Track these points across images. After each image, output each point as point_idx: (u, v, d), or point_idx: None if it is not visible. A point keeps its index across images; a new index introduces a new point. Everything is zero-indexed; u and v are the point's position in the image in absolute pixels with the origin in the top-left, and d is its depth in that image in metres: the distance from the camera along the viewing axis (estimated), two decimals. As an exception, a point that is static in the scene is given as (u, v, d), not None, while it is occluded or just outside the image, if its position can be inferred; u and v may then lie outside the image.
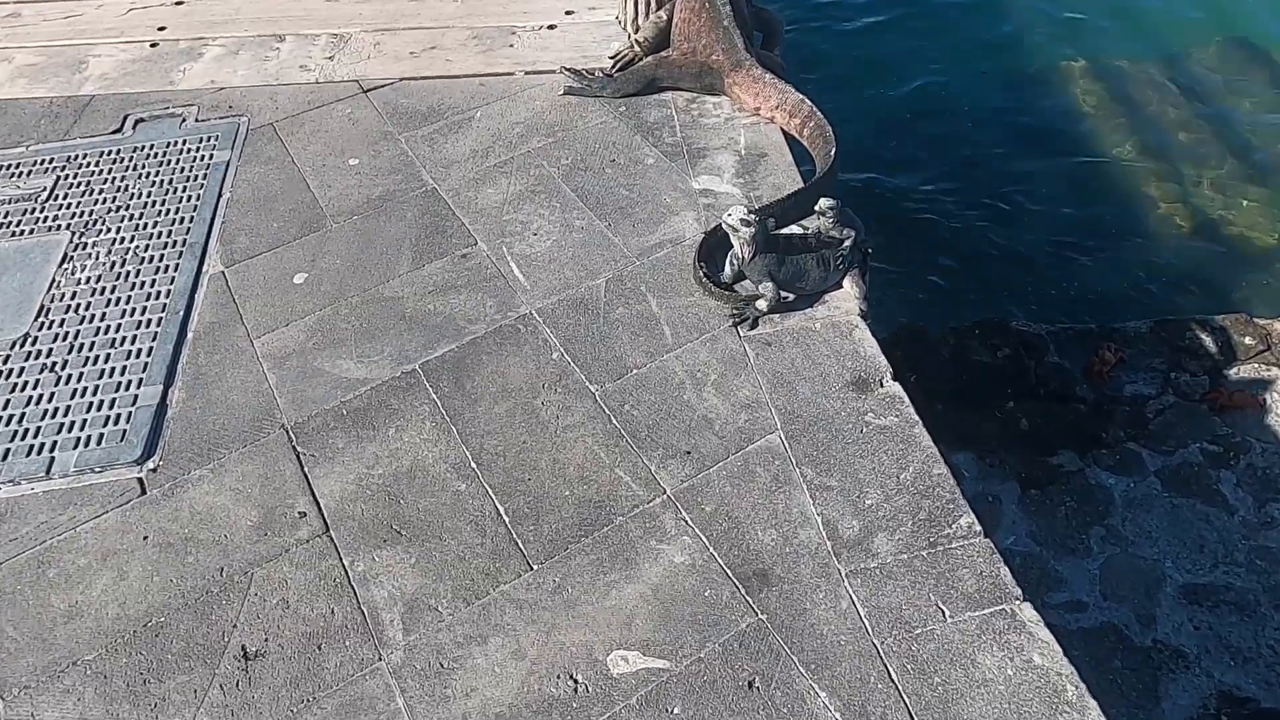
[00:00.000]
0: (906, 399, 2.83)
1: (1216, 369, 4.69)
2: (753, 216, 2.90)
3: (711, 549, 2.50)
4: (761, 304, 3.04)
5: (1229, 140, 6.51)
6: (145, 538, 2.60)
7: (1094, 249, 5.80)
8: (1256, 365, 4.71)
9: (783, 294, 3.07)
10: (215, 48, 4.56)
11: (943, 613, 2.35)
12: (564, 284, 3.25)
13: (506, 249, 3.40)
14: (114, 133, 4.06)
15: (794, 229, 3.30)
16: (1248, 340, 4.78)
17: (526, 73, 4.28)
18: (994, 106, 6.84)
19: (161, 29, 4.72)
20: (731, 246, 3.06)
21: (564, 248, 3.39)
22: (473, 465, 2.73)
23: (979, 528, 2.52)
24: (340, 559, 2.53)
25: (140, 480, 2.75)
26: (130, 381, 3.01)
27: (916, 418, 2.78)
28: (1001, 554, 4.40)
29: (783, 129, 3.89)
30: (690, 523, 2.56)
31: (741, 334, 3.04)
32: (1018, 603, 2.37)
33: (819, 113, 3.75)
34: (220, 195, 3.71)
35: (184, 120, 4.11)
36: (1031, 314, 5.25)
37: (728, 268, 3.14)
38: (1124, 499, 4.16)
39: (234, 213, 3.63)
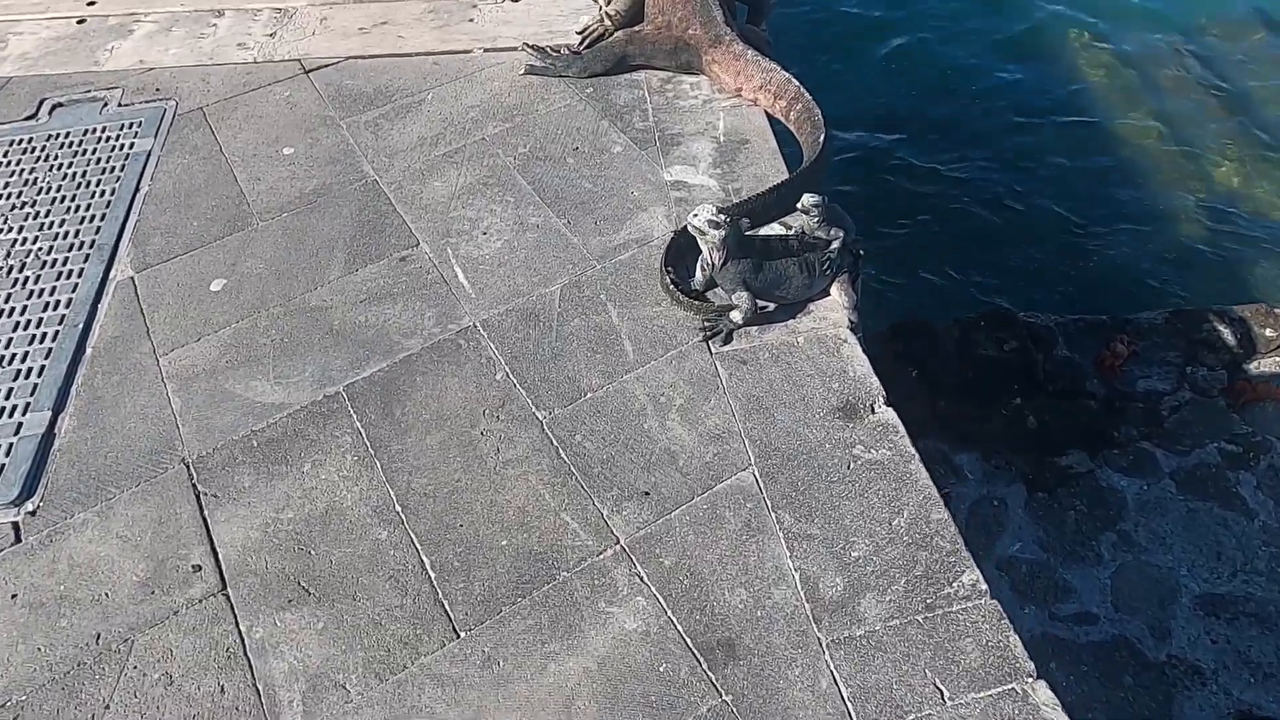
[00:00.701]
0: (901, 428, 2.45)
1: (1235, 362, 4.42)
2: (722, 217, 2.50)
3: (669, 613, 2.13)
4: (736, 315, 2.65)
5: (1249, 118, 6.16)
6: (14, 596, 2.24)
7: (1105, 234, 5.50)
8: (1278, 359, 4.42)
9: (760, 304, 2.68)
10: (148, 24, 4.15)
11: (941, 693, 1.98)
12: (514, 291, 2.86)
13: (451, 251, 3.01)
14: (28, 119, 3.66)
15: (775, 227, 2.91)
16: (1268, 332, 4.51)
17: (485, 50, 3.87)
18: (999, 82, 6.48)
19: (91, 3, 4.30)
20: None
21: (516, 249, 3.00)
22: (397, 508, 2.35)
23: (984, 586, 2.14)
24: (236, 623, 2.17)
25: (15, 525, 2.38)
26: (15, 407, 2.63)
27: (912, 450, 2.40)
28: (1007, 560, 4.22)
29: (766, 112, 3.48)
30: (646, 580, 2.19)
31: (713, 350, 2.65)
32: (1030, 681, 1.99)
33: (807, 94, 3.34)
34: (138, 189, 3.32)
35: (106, 105, 3.71)
36: (1040, 304, 4.97)
37: (699, 273, 2.75)
38: (1137, 502, 3.93)
39: (151, 209, 3.24)
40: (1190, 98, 6.29)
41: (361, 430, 2.52)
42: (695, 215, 2.52)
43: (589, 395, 2.56)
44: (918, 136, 6.12)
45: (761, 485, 2.34)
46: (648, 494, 2.34)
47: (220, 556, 2.29)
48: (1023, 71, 6.54)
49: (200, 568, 2.27)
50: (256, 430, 2.54)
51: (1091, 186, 5.72)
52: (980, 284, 5.31)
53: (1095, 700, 3.44)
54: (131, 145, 3.50)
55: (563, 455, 2.43)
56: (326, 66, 3.83)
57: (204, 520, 2.36)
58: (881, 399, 2.51)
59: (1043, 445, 4.13)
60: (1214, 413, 4.23)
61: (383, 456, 2.46)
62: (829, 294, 2.76)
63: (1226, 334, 4.46)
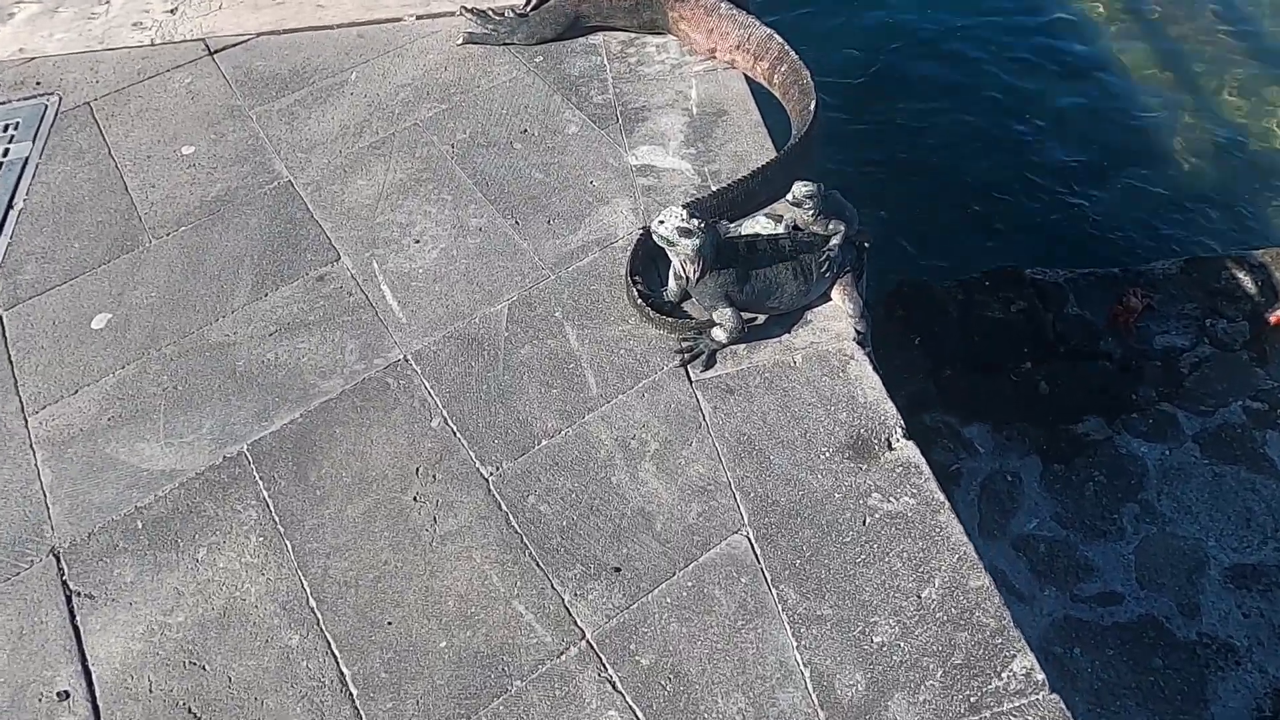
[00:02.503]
0: (925, 468, 2.00)
1: (1257, 312, 4.17)
2: (695, 222, 2.00)
3: (649, 731, 1.71)
4: (718, 334, 2.19)
5: (1255, 50, 5.72)
6: None
7: (1112, 180, 5.13)
8: (1303, 305, 4.04)
9: (748, 315, 2.22)
10: (30, 5, 3.60)
11: (996, 828, 1.57)
12: (452, 313, 2.39)
13: (378, 265, 2.53)
14: (-113, 126, 3.15)
15: (760, 220, 2.42)
16: (1292, 278, 4.15)
17: (418, 17, 3.34)
18: (993, 23, 6.02)
19: (-33, -16, 3.76)
20: (676, 249, 2.18)
21: (454, 259, 2.52)
22: (311, 604, 1.91)
23: (1041, 675, 1.72)
24: (111, 769, 1.75)
25: None
26: None
27: (942, 497, 1.95)
28: (1024, 539, 3.85)
29: (746, 75, 3.02)
30: (619, 686, 1.76)
31: (693, 377, 2.19)
32: (1108, 806, 1.58)
33: (792, 52, 2.86)
34: (10, 206, 2.82)
35: (-22, 104, 3.19)
36: (1047, 259, 4.63)
37: (672, 282, 2.27)
38: (1159, 469, 3.72)
39: (26, 230, 2.74)
40: (1192, 30, 5.85)
41: (269, 501, 2.07)
42: (661, 222, 2.02)
43: (544, 443, 2.11)
44: (908, 84, 5.69)
45: (758, 552, 1.90)
46: (618, 570, 1.90)
47: (94, 678, 1.84)
48: (1017, 11, 6.07)
49: (68, 695, 1.83)
50: (142, 507, 2.08)
51: (1094, 130, 5.33)
52: (982, 240, 4.95)
53: (1124, 686, 3.22)
54: (5, 152, 2.98)
55: (513, 523, 1.99)
56: (234, 46, 3.30)
57: (75, 629, 1.91)
58: (900, 430, 2.06)
59: (1056, 412, 3.91)
60: (1237, 368, 3.99)
61: (294, 535, 2.01)
62: (830, 299, 2.29)
63: (1246, 281, 4.21)
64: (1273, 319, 4.04)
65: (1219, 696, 3.14)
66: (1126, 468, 3.73)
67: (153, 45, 3.36)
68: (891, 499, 1.96)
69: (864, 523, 1.93)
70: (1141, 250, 4.75)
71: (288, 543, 2.00)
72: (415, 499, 2.04)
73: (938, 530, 1.91)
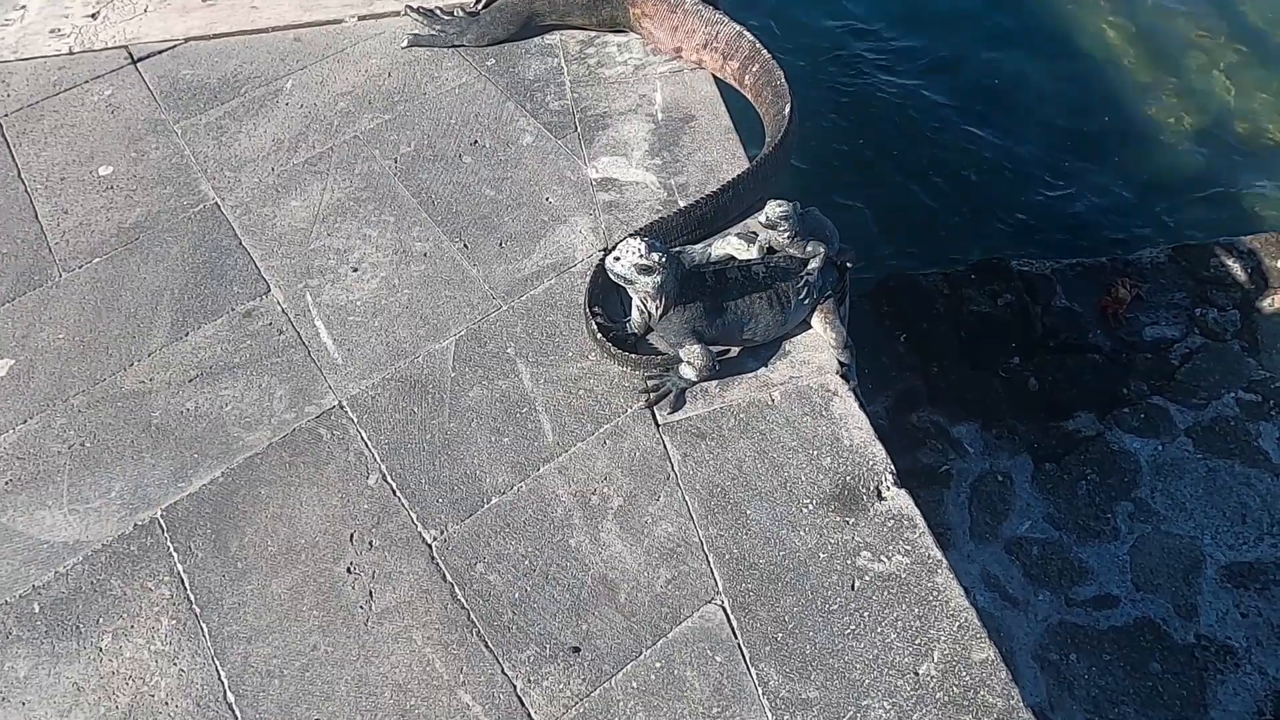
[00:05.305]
0: (920, 520, 1.79)
1: (1248, 300, 4.10)
2: (655, 256, 1.77)
3: (614, 846, 1.50)
4: (687, 372, 1.96)
5: (1239, 27, 5.57)
6: None
7: (1096, 167, 4.99)
8: (1297, 292, 4.06)
9: (720, 350, 2.00)
10: (-62, 12, 3.33)
11: None
12: (393, 351, 2.15)
13: (311, 297, 2.28)
14: None
15: (732, 239, 2.19)
16: (1282, 264, 4.11)
17: (360, 18, 3.08)
18: (971, 8, 5.82)
19: (-128, -10, 3.46)
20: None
21: (396, 290, 2.28)
22: (229, 698, 1.68)
23: (1057, 765, 1.52)
24: None
25: None
26: None
27: (939, 555, 1.74)
28: (1017, 542, 3.68)
29: (715, 75, 2.79)
30: (579, 791, 1.55)
31: (660, 420, 1.97)
32: None
33: (764, 50, 2.65)
34: (-92, 238, 2.56)
35: (-123, 124, 2.91)
36: (1033, 250, 4.55)
37: (635, 313, 2.05)
38: (1152, 465, 3.66)
39: (-78, 265, 2.50)
40: (1177, 11, 5.67)
41: (184, 576, 1.83)
42: (617, 258, 1.78)
43: (494, 501, 1.88)
44: (882, 72, 5.51)
45: (734, 624, 1.69)
46: (578, 650, 1.68)
47: (-22, 794, 1.63)
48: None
49: (-52, 815, 1.61)
50: (40, 586, 1.84)
51: (1076, 115, 5.18)
52: (966, 231, 4.81)
53: (1122, 692, 3.15)
54: (-95, 177, 2.72)
55: (459, 596, 1.76)
56: (160, 53, 3.03)
57: (-41, 736, 1.69)
58: (890, 477, 1.85)
59: (1047, 408, 3.86)
60: (1229, 358, 3.93)
61: (212, 616, 1.78)
62: (810, 327, 2.07)
63: (1236, 268, 4.18)
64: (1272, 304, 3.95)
65: (1219, 700, 3.07)
66: (1119, 465, 3.63)
67: (71, 54, 3.08)
68: (883, 558, 1.75)
69: (853, 586, 1.72)
70: (1128, 238, 4.62)
71: (204, 625, 1.77)
72: (349, 570, 1.81)
73: (935, 594, 1.70)
